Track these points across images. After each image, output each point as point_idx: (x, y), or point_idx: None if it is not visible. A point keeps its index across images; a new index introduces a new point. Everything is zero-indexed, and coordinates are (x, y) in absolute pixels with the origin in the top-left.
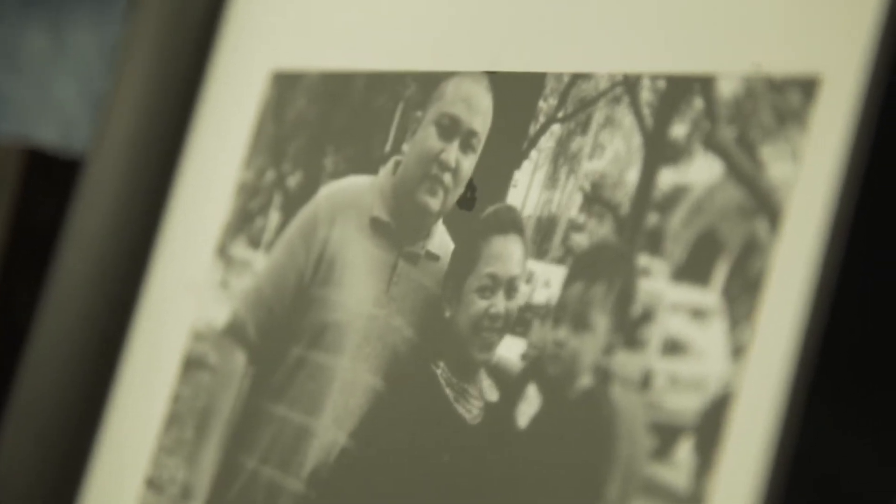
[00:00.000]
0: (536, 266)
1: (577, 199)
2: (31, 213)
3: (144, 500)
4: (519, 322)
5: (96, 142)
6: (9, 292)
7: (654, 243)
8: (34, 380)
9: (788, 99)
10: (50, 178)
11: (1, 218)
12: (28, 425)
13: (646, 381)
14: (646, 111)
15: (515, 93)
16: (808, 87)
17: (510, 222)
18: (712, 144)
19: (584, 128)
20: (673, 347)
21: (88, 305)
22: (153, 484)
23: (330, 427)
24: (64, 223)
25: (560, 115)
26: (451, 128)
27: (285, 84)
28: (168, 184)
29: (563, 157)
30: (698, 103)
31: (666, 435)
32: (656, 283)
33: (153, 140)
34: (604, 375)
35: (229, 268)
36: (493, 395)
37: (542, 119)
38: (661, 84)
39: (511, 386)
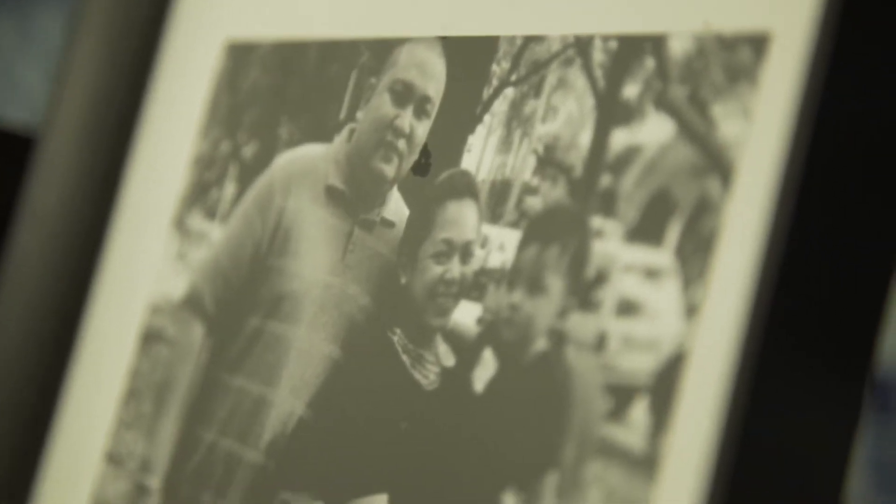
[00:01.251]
0: (491, 230)
1: (531, 162)
2: None
3: (104, 475)
4: (474, 287)
5: (50, 116)
6: None
7: (608, 205)
8: None
9: (739, 56)
10: (6, 154)
11: None
12: None
13: (600, 343)
14: (598, 72)
15: (468, 57)
16: (758, 45)
17: (465, 187)
18: (664, 104)
19: (537, 90)
20: (627, 308)
21: (45, 281)
22: (112, 458)
23: (287, 397)
24: (18, 201)
25: (513, 78)
26: (404, 94)
27: (239, 54)
28: (123, 157)
29: (517, 120)
30: (650, 63)
31: (621, 396)
32: (610, 244)
33: (107, 113)
34: (558, 338)
35: (186, 239)
36: (449, 360)
37: (495, 83)
38: (613, 44)
39: (467, 351)
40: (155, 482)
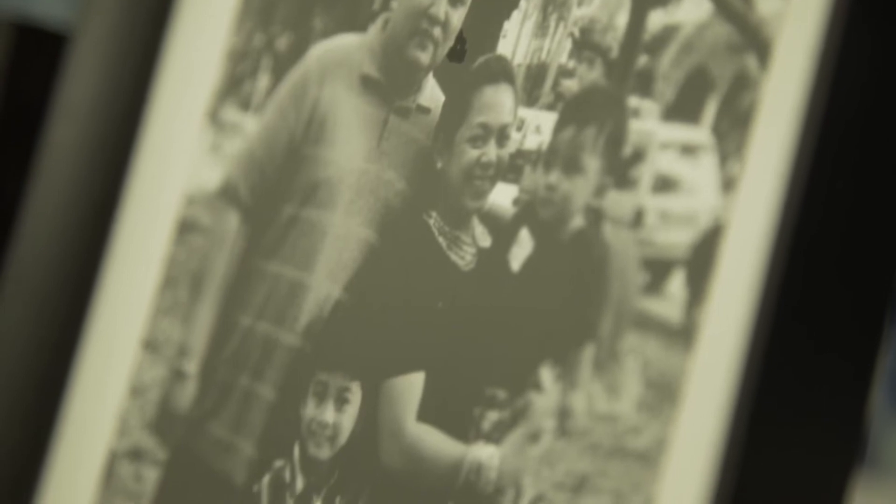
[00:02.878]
0: (527, 113)
1: (567, 45)
2: (20, 88)
3: (141, 361)
4: (510, 169)
5: (83, 11)
6: None
7: (644, 84)
8: (28, 250)
9: None
10: (41, 51)
11: None
12: (23, 293)
13: (637, 219)
14: None
15: None
16: None
17: (501, 72)
18: None
19: None
20: (664, 184)
21: (80, 174)
22: (149, 345)
23: (324, 281)
24: (53, 95)
25: None
26: None
27: None
28: (157, 50)
29: (553, 4)
30: None
31: (657, 269)
32: (647, 123)
33: (140, 8)
34: (595, 216)
35: (220, 132)
36: (485, 240)
37: None
38: None
39: (503, 231)
40: (192, 367)
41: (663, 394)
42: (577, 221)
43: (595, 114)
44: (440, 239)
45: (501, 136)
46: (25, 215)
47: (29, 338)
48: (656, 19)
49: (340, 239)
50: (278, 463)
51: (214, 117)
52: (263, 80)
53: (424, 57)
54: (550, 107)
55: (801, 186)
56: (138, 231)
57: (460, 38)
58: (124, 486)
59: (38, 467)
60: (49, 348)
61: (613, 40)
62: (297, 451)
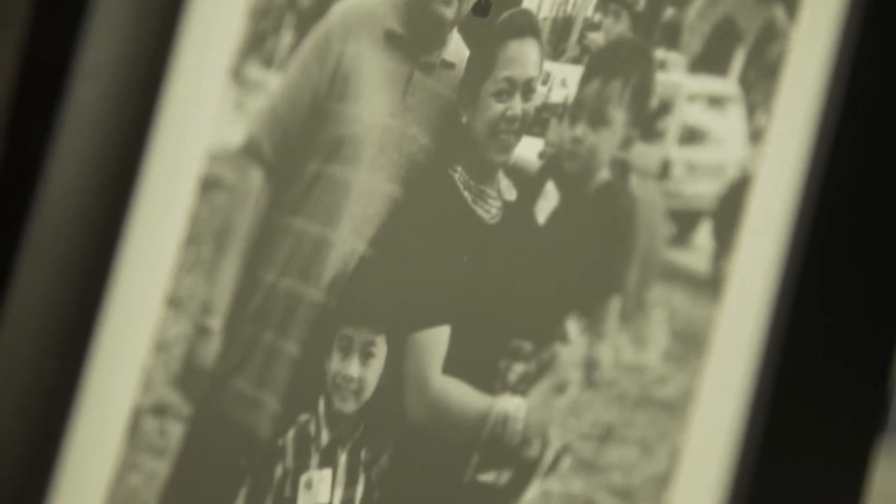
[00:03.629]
0: (553, 67)
1: None
2: (43, 46)
3: (164, 318)
4: (536, 122)
5: None
6: (20, 125)
7: (671, 37)
8: (52, 209)
9: None
10: (63, 9)
11: (10, 52)
12: (46, 251)
13: (664, 171)
14: None
15: None
16: None
17: (526, 25)
18: None
19: None
20: (691, 136)
21: (104, 131)
22: (173, 301)
23: (348, 237)
24: (75, 54)
25: None
26: None
27: None
28: (179, 8)
29: None
30: None
31: (684, 221)
32: (673, 75)
33: None
34: (622, 168)
35: (243, 89)
36: (511, 194)
37: None
38: None
39: (529, 184)
40: (216, 323)
41: (690, 344)
42: (604, 174)
43: (621, 67)
44: (465, 193)
45: (527, 90)
46: (49, 173)
47: (52, 295)
48: None
49: (365, 195)
50: (303, 417)
51: (237, 75)
52: (286, 37)
53: (449, 12)
54: (576, 60)
55: (829, 136)
56: (162, 189)
57: None
58: (149, 441)
59: (63, 423)
60: (73, 306)
61: None
62: (322, 405)
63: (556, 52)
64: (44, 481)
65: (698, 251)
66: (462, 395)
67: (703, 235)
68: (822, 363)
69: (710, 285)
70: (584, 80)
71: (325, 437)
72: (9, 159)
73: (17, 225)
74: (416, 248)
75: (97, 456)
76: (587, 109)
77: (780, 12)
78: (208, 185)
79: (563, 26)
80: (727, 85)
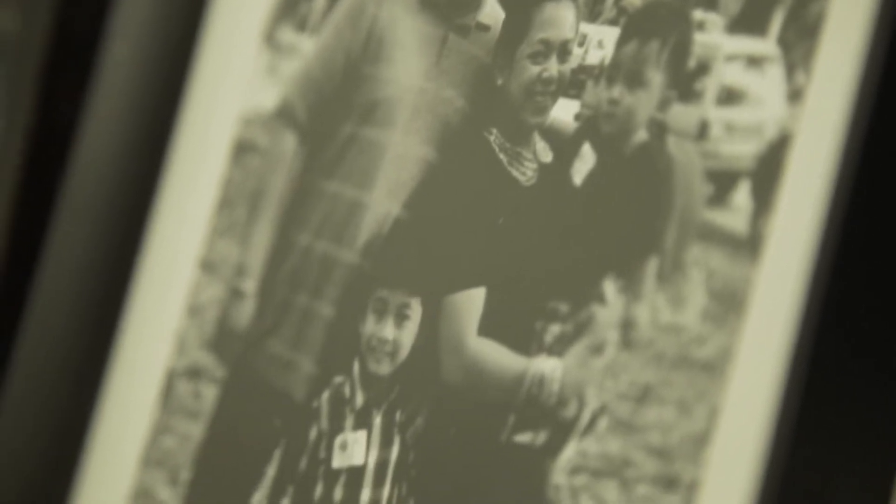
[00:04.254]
0: (589, 28)
1: None
2: (77, 9)
3: (198, 282)
4: (572, 84)
5: None
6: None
7: None
8: (86, 172)
9: None
10: None
11: (44, 18)
12: (80, 215)
13: (702, 131)
14: None
15: None
16: None
17: None
18: None
19: None
20: (729, 97)
21: (137, 96)
22: (206, 265)
23: (383, 199)
24: (108, 19)
25: None
26: None
27: None
28: None
29: None
30: None
31: (723, 181)
32: (711, 35)
33: None
34: (659, 129)
35: (276, 53)
36: (547, 156)
37: None
38: None
39: (565, 146)
40: (250, 286)
41: (728, 304)
42: (641, 135)
43: (659, 28)
44: (501, 155)
45: (563, 51)
46: (83, 137)
47: (86, 258)
48: None
49: (399, 157)
50: (338, 379)
51: (271, 39)
52: (320, 1)
53: None
54: (613, 21)
55: (869, 95)
56: (195, 152)
57: None
58: (182, 404)
59: (96, 386)
60: (107, 269)
61: None
62: (356, 367)
63: (592, 13)
64: (78, 445)
65: (737, 211)
66: (498, 356)
67: (742, 195)
68: (861, 322)
69: (749, 245)
70: (621, 42)
71: (359, 399)
72: (42, 124)
73: (52, 188)
74: (451, 210)
75: (131, 419)
76: (624, 71)
77: None
78: (242, 149)
79: None
80: (766, 45)
